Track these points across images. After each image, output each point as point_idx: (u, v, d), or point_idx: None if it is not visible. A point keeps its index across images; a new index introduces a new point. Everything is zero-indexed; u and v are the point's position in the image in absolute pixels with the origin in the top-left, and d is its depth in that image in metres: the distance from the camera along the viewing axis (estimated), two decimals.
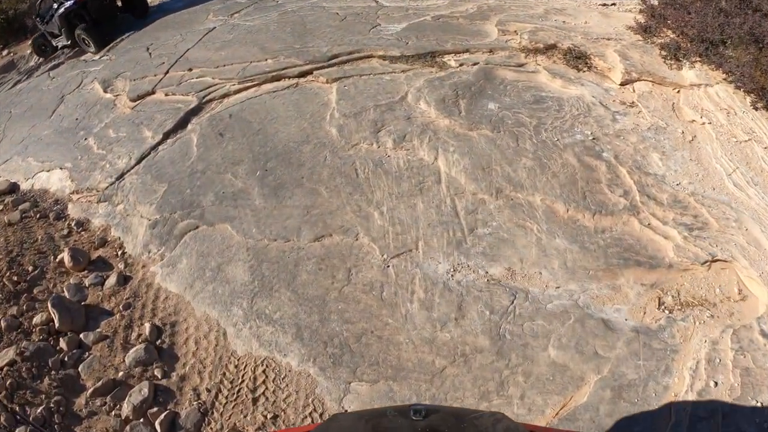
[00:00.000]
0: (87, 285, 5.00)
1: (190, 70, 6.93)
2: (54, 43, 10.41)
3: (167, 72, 7.22)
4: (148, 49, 8.46)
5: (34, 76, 11.06)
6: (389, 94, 5.38)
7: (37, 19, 10.23)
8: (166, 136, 6.08)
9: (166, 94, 6.81)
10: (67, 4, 9.44)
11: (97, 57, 9.72)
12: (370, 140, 4.95)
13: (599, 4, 6.96)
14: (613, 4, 7.06)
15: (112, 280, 4.93)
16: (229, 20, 8.44)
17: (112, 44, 9.98)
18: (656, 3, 6.56)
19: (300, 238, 4.42)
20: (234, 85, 6.19)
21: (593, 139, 4.84)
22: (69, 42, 9.94)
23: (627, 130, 4.99)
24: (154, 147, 6.05)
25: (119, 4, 10.39)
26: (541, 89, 5.35)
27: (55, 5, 9.67)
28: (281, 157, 5.08)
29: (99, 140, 6.79)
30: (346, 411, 3.26)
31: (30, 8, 12.22)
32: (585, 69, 5.60)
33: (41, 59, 10.87)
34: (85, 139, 7.06)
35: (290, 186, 4.78)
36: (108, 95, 7.87)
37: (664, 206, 4.34)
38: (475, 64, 5.64)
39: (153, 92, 7.03)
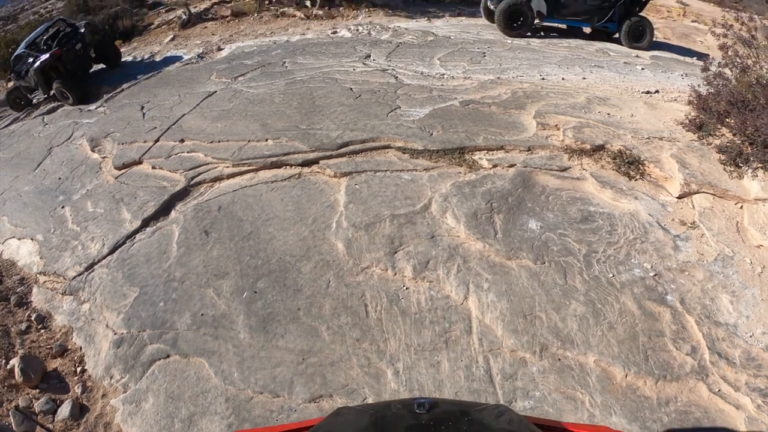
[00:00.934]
0: (36, 411, 4.05)
1: (183, 141, 6.06)
2: (30, 97, 10.50)
3: (158, 140, 6.36)
4: (143, 108, 7.65)
5: (30, 117, 10.32)
6: (409, 200, 4.47)
7: (12, 74, 10.36)
8: (146, 223, 5.18)
9: (153, 167, 5.93)
10: (43, 57, 9.48)
11: (93, 107, 8.99)
12: (385, 264, 4.02)
13: (642, 92, 6.15)
14: (657, 91, 6.26)
15: (65, 410, 4.02)
16: (232, 84, 7.63)
17: (111, 94, 9.27)
18: (704, 92, 5.74)
19: (292, 394, 3.47)
20: (228, 167, 5.30)
21: (655, 275, 3.93)
22: (46, 96, 10.02)
23: (692, 262, 4.08)
24: (131, 235, 5.15)
25: (93, 55, 10.60)
26: (588, 202, 4.46)
27: (30, 59, 9.73)
28: (275, 275, 4.14)
29: (76, 212, 5.92)
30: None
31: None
32: (638, 177, 4.73)
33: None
34: (63, 206, 6.22)
35: (284, 319, 3.83)
36: (95, 156, 7.03)
37: (736, 366, 3.48)
38: (511, 165, 4.76)
39: (140, 162, 6.17)
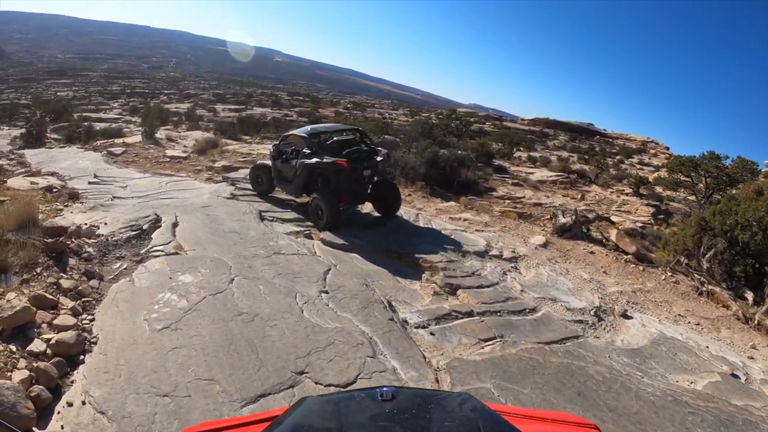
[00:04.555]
0: None
1: None
2: (275, 183, 9.16)
3: None
4: None
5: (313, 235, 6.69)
6: None
7: (274, 149, 9.21)
8: None
9: None
10: (326, 159, 7.89)
11: (416, 319, 4.54)
12: None
13: None
14: None
15: None
16: None
17: (457, 309, 4.82)
18: None
19: None
20: None
21: None
22: (294, 195, 8.88)
23: None
24: None
25: (368, 190, 8.93)
26: None
27: (307, 150, 8.33)
28: None
29: None
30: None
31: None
32: None
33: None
34: None
35: None
36: None
37: None
38: None
39: None
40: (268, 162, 9.32)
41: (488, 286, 6.56)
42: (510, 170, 18.94)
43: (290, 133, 9.37)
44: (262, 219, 7.68)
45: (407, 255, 7.19)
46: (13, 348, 3.72)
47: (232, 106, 44.55)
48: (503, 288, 6.60)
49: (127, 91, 60.07)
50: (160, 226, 6.66)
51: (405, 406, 1.76)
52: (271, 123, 28.82)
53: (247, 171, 10.27)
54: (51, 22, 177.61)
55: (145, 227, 6.48)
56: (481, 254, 7.75)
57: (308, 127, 9.07)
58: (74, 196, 8.43)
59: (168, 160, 12.78)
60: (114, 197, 8.46)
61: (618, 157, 34.00)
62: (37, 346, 3.80)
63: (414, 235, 8.15)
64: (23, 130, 17.33)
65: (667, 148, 45.79)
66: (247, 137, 20.59)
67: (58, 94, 53.77)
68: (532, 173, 18.96)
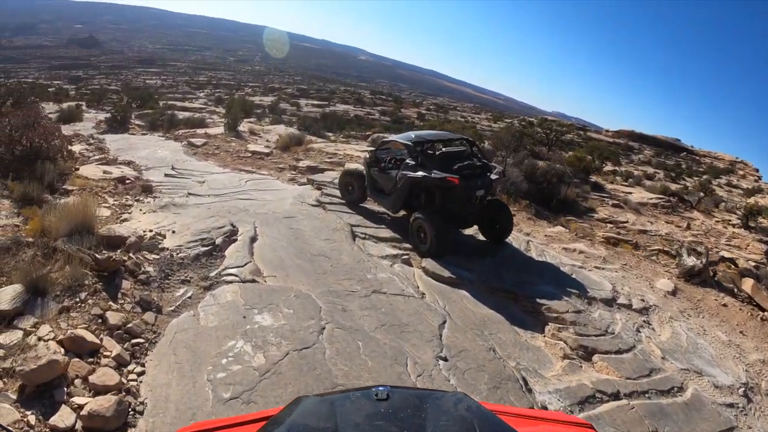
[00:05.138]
0: None
1: None
2: (367, 193, 8.25)
3: None
4: None
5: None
6: None
7: (370, 155, 8.32)
8: None
9: None
10: (434, 174, 6.73)
11: None
12: None
13: None
14: None
15: None
16: None
17: None
18: None
19: None
20: None
21: None
22: (391, 211, 7.80)
23: None
24: None
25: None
26: None
27: (410, 161, 7.18)
28: None
29: None
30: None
31: None
32: None
33: None
34: None
35: None
36: None
37: None
38: None
39: None
40: (361, 168, 8.28)
41: (626, 351, 5.37)
42: (607, 189, 17.25)
43: (390, 138, 8.29)
44: (354, 237, 6.55)
45: (525, 297, 5.88)
46: (32, 419, 2.72)
47: (315, 102, 44.70)
48: (642, 354, 5.38)
49: (213, 82, 62.08)
50: (235, 240, 5.66)
51: (401, 405, 1.75)
52: (353, 120, 28.22)
53: (334, 173, 9.27)
54: (142, 14, 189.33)
55: (218, 241, 5.46)
56: (608, 302, 6.34)
57: (412, 134, 7.92)
58: (147, 190, 7.72)
59: (249, 155, 12.05)
60: (189, 193, 7.68)
61: (705, 177, 31.62)
62: (63, 417, 2.77)
63: (528, 270, 6.74)
64: (108, 115, 17.40)
65: (757, 170, 42.54)
66: (330, 134, 19.86)
67: (147, 81, 56.30)
68: (630, 193, 17.22)
